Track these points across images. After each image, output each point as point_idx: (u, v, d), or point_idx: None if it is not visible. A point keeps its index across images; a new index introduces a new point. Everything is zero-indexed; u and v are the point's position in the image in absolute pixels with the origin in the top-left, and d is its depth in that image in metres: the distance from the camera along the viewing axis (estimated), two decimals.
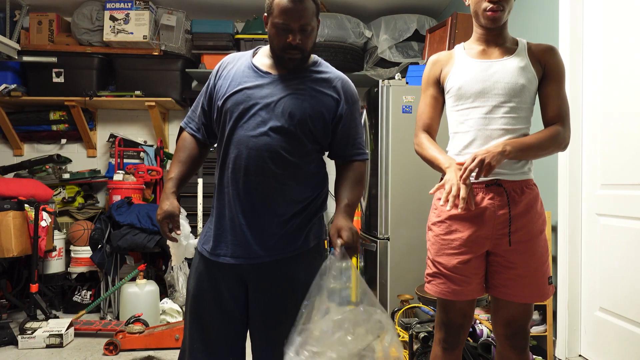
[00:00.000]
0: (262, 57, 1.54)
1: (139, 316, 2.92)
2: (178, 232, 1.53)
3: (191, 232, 1.63)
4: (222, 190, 1.51)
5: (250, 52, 1.57)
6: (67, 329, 2.96)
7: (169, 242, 1.58)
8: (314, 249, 1.54)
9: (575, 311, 2.34)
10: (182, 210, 1.56)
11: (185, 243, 1.58)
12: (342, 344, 1.25)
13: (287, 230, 1.49)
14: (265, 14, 1.47)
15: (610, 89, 2.16)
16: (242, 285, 1.50)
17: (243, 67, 1.52)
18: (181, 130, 1.66)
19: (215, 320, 1.51)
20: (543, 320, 2.39)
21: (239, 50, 4.12)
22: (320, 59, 1.59)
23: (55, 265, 3.65)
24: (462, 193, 1.43)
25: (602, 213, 2.21)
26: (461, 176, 1.45)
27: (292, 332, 1.28)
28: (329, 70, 1.57)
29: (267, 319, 1.49)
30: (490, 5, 1.55)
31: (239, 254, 1.48)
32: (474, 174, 1.47)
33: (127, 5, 3.87)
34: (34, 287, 3.17)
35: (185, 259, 1.69)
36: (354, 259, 3.99)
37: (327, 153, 1.62)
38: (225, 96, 1.50)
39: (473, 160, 1.46)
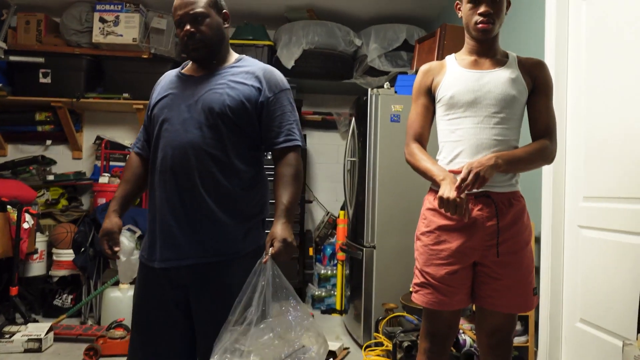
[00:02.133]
0: (190, 66, 1.61)
1: (121, 321, 2.89)
2: (116, 248, 1.55)
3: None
4: (152, 195, 1.52)
5: (181, 66, 1.64)
6: (47, 333, 2.91)
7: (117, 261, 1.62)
8: (251, 254, 1.49)
9: (557, 322, 2.37)
10: (125, 228, 1.62)
11: (124, 259, 1.61)
12: (270, 347, 1.26)
13: (220, 232, 1.47)
14: None
15: (593, 103, 2.21)
16: (183, 288, 1.49)
17: (171, 77, 1.60)
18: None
19: (158, 328, 1.50)
20: (525, 331, 2.41)
21: None
22: (245, 57, 1.61)
23: (37, 268, 3.59)
24: (459, 206, 1.45)
25: (584, 225, 2.25)
26: (457, 188, 1.47)
27: (222, 330, 1.30)
28: (251, 63, 1.57)
29: (205, 326, 1.47)
30: (481, 19, 1.58)
31: (170, 256, 1.46)
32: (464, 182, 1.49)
33: (118, 7, 3.85)
34: (14, 290, 3.11)
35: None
36: (338, 267, 3.99)
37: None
38: (153, 105, 1.57)
39: (469, 173, 1.48)
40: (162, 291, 1.50)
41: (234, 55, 1.60)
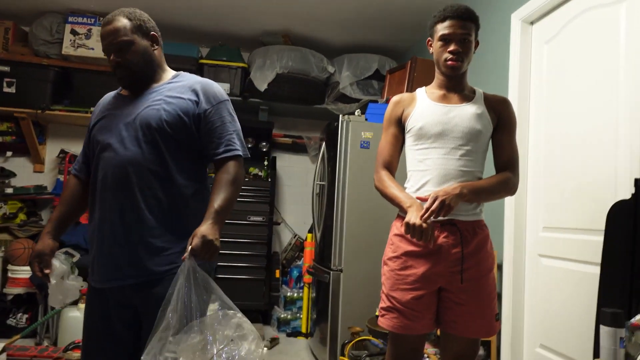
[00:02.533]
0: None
1: (79, 342, 2.77)
2: (46, 270, 1.52)
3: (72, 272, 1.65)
4: (92, 216, 1.51)
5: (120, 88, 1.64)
6: None
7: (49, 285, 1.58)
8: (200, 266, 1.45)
9: (518, 347, 2.44)
10: (62, 251, 1.58)
11: (54, 282, 1.56)
12: (200, 349, 1.25)
13: (162, 248, 1.44)
14: None
15: (553, 139, 2.34)
16: (130, 308, 1.47)
17: (109, 99, 1.62)
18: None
19: (105, 347, 1.48)
20: (487, 356, 2.47)
21: (202, 75, 4.12)
22: (182, 73, 1.62)
23: None
24: (425, 232, 1.50)
25: (544, 254, 2.35)
26: (422, 216, 1.53)
27: (149, 339, 1.28)
28: (188, 77, 1.58)
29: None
30: (451, 56, 1.67)
31: (111, 276, 1.45)
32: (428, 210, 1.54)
33: (91, 20, 3.81)
34: None
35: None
36: (305, 290, 3.96)
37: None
38: (91, 125, 1.57)
39: (434, 201, 1.54)
40: (107, 311, 1.47)
41: (170, 73, 1.61)
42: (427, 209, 1.53)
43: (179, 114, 1.47)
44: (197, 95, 1.51)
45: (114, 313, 1.47)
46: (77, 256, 3.30)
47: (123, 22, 1.49)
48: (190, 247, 1.35)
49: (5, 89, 3.80)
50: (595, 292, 1.78)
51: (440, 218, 1.61)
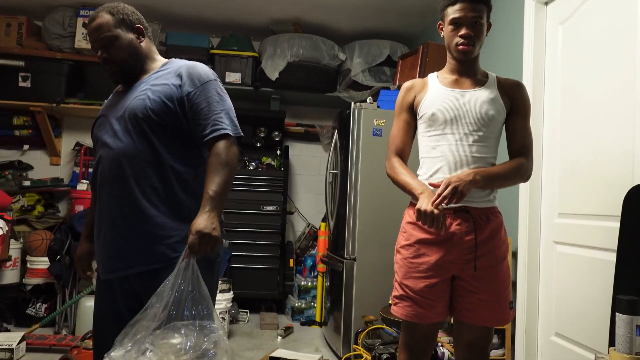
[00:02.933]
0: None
1: None
2: (88, 272, 1.68)
3: None
4: (96, 208, 1.54)
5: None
6: (19, 343, 2.83)
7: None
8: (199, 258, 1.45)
9: (533, 336, 2.41)
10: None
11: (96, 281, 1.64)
12: (175, 351, 1.23)
13: (163, 236, 1.44)
14: None
15: (567, 124, 2.28)
16: (135, 297, 1.47)
17: (110, 96, 1.64)
18: None
19: (113, 338, 1.45)
20: (501, 344, 2.45)
21: (213, 65, 4.13)
22: (172, 59, 1.59)
23: (9, 275, 3.49)
24: (436, 219, 1.48)
25: (559, 241, 2.31)
26: (434, 202, 1.50)
27: (136, 320, 1.29)
28: (175, 63, 1.56)
29: None
30: (462, 40, 1.64)
31: (115, 267, 1.46)
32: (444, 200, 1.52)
33: None
34: None
35: None
36: (319, 279, 3.98)
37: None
38: (94, 123, 1.60)
39: (446, 187, 1.51)
40: (114, 301, 1.49)
41: (160, 61, 1.59)
42: (439, 195, 1.51)
43: (163, 100, 1.45)
44: (180, 78, 1.48)
45: (122, 302, 1.48)
46: None
47: (106, 17, 1.49)
48: (188, 242, 1.34)
49: (21, 84, 3.85)
50: (611, 279, 1.74)
51: (452, 205, 1.59)
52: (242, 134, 1.50)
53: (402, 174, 1.68)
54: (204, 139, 1.45)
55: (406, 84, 1.81)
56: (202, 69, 1.51)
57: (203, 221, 1.34)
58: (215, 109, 1.45)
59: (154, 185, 1.45)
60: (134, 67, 1.54)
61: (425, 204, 1.50)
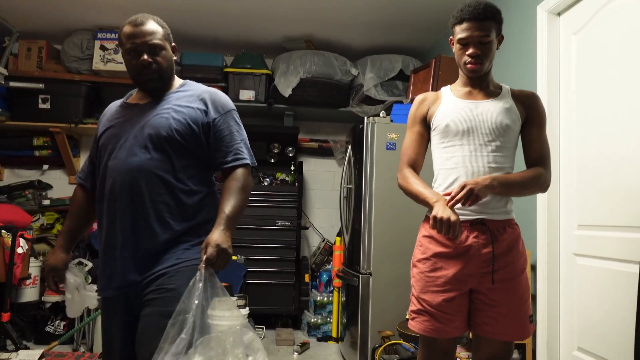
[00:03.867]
0: (134, 96, 1.62)
1: None
2: (61, 285, 1.57)
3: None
4: (101, 225, 1.50)
5: (126, 96, 1.65)
6: None
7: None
8: (195, 262, 1.43)
9: (554, 351, 2.36)
10: (74, 262, 1.59)
11: (69, 296, 1.57)
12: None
13: (169, 251, 1.45)
14: (121, 54, 1.56)
15: (584, 134, 2.26)
16: (134, 309, 1.45)
17: (115, 108, 1.62)
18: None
19: (124, 357, 1.47)
20: (522, 359, 2.40)
21: (227, 83, 4.19)
22: (189, 81, 1.63)
23: (29, 293, 3.53)
24: (452, 226, 1.46)
25: (579, 253, 2.27)
26: (448, 202, 1.49)
27: (157, 352, 1.23)
28: (196, 87, 1.60)
29: (143, 335, 1.41)
30: (469, 59, 1.64)
31: (122, 283, 1.44)
32: (459, 204, 1.51)
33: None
34: (6, 316, 3.07)
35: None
36: (334, 294, 3.95)
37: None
38: (98, 135, 1.57)
39: (462, 189, 1.50)
40: (120, 319, 1.47)
41: (177, 81, 1.63)
42: (453, 197, 1.50)
43: (189, 123, 1.49)
44: (205, 104, 1.53)
45: (127, 320, 1.46)
46: (90, 265, 3.38)
47: (156, 27, 1.52)
48: (205, 256, 1.34)
49: (41, 105, 3.96)
50: (635, 292, 1.70)
51: (468, 217, 1.58)
52: (257, 164, 1.58)
53: (415, 184, 1.67)
54: (224, 165, 1.52)
55: (419, 97, 1.81)
56: (224, 98, 1.59)
57: (220, 236, 1.37)
58: (236, 139, 1.54)
59: (167, 203, 1.46)
60: (168, 81, 1.57)
61: (440, 211, 1.48)
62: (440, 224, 1.48)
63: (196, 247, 1.47)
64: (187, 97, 1.54)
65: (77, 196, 1.65)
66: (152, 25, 1.51)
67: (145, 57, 1.49)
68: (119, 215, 1.45)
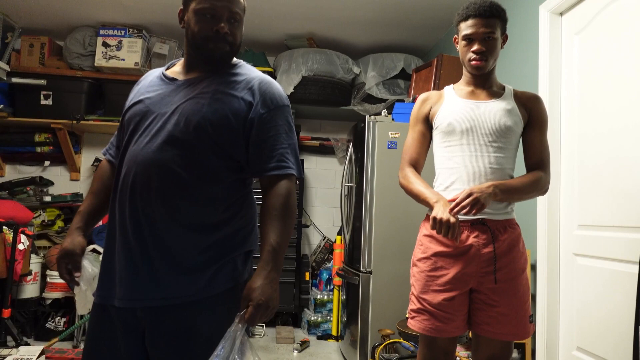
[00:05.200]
0: (176, 67, 1.36)
1: None
2: (77, 274, 1.30)
3: None
4: (111, 219, 1.26)
5: (167, 65, 1.39)
6: (38, 357, 2.87)
7: (75, 289, 1.34)
8: (222, 295, 1.22)
9: (554, 350, 2.36)
10: (89, 249, 1.32)
11: (84, 288, 1.33)
12: None
13: (187, 268, 1.19)
14: (183, 7, 1.31)
15: (586, 135, 2.26)
16: (136, 334, 1.22)
17: (152, 78, 1.35)
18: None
19: None
20: (522, 359, 2.40)
21: None
22: (243, 62, 1.36)
23: (30, 290, 3.55)
24: (452, 227, 1.46)
25: (579, 253, 2.27)
26: (452, 209, 1.49)
27: None
28: (248, 71, 1.32)
29: None
30: (474, 56, 1.64)
31: (125, 295, 1.19)
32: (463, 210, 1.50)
33: (121, 32, 3.92)
34: (6, 313, 3.08)
35: None
36: (335, 292, 3.94)
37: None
38: (125, 109, 1.31)
39: (467, 196, 1.49)
40: (114, 335, 1.22)
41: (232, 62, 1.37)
42: (458, 203, 1.49)
43: (227, 115, 1.22)
44: (252, 94, 1.26)
45: (119, 337, 1.22)
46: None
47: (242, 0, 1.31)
48: (246, 315, 1.12)
49: (43, 102, 3.96)
50: (634, 292, 1.70)
51: (469, 217, 1.58)
52: (302, 176, 1.35)
53: (416, 183, 1.67)
54: (264, 173, 1.25)
55: (422, 96, 1.81)
56: (278, 89, 1.31)
57: (266, 288, 1.14)
58: (283, 142, 1.26)
59: (184, 209, 1.20)
60: (233, 57, 1.33)
61: (440, 212, 1.48)
62: (439, 225, 1.48)
63: (227, 268, 1.24)
64: (234, 82, 1.27)
65: (102, 172, 1.40)
66: None
67: (222, 25, 1.24)
68: (126, 213, 1.21)
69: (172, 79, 1.30)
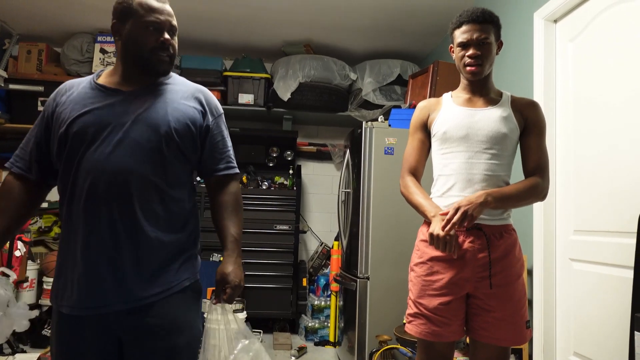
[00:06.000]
0: (108, 77, 1.37)
1: None
2: None
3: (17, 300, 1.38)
4: (71, 229, 1.26)
5: (92, 75, 1.40)
6: None
7: None
8: (189, 290, 1.34)
9: (551, 355, 2.36)
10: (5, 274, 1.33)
11: (0, 314, 1.29)
12: None
13: (157, 268, 1.27)
14: (118, 21, 1.33)
15: (581, 139, 2.27)
16: (112, 339, 1.25)
17: (86, 90, 1.35)
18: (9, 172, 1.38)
19: None
20: None
21: (226, 87, 4.20)
22: (174, 74, 1.46)
23: (26, 296, 3.53)
24: (448, 243, 1.51)
25: (575, 258, 2.28)
26: (443, 227, 1.52)
27: None
28: (184, 81, 1.44)
29: None
30: (469, 61, 1.66)
31: (97, 303, 1.22)
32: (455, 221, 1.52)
33: None
34: None
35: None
36: (332, 298, 3.92)
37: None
38: (68, 121, 1.29)
39: (456, 212, 1.52)
40: (83, 344, 1.24)
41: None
42: (449, 221, 1.52)
43: (187, 123, 1.33)
44: (201, 104, 1.39)
45: (90, 346, 1.24)
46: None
47: (172, 12, 1.39)
48: (224, 297, 1.33)
49: (40, 108, 3.96)
50: (630, 297, 1.71)
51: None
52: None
53: (416, 194, 1.70)
54: (215, 173, 1.42)
55: (421, 103, 1.84)
56: (215, 99, 1.48)
57: (237, 271, 1.34)
58: (227, 145, 1.45)
59: (156, 212, 1.28)
60: (172, 68, 1.41)
61: (437, 228, 1.53)
62: (437, 242, 1.52)
63: (187, 265, 1.34)
64: (180, 92, 1.38)
65: (9, 188, 1.34)
66: (171, 9, 1.38)
67: (167, 36, 1.32)
68: (100, 221, 1.23)
69: (115, 90, 1.33)
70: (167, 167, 1.30)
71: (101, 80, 1.36)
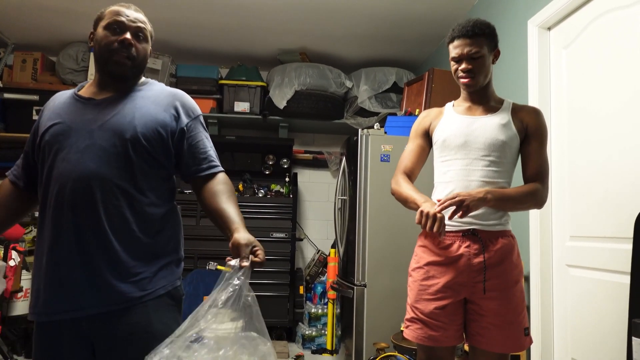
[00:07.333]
0: (88, 88, 1.41)
1: None
2: None
3: None
4: (42, 236, 1.29)
5: (77, 87, 1.46)
6: None
7: None
8: (166, 297, 1.33)
9: None
10: None
11: None
12: None
13: (125, 274, 1.26)
14: (92, 30, 1.39)
15: (576, 146, 2.29)
16: (85, 342, 1.26)
17: (64, 100, 1.39)
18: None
19: None
20: None
21: (222, 95, 4.21)
22: (153, 81, 1.47)
23: (21, 307, 3.50)
24: (438, 221, 1.47)
25: (571, 264, 2.28)
26: (438, 205, 1.51)
27: (162, 343, 1.14)
28: (160, 87, 1.44)
29: None
30: (462, 74, 1.69)
31: (65, 307, 1.24)
32: (449, 212, 1.52)
33: None
34: None
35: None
36: (329, 306, 3.92)
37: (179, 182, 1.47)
38: (43, 130, 1.33)
39: (454, 197, 1.52)
40: (60, 349, 1.26)
41: (139, 79, 1.46)
42: (444, 201, 1.51)
43: (156, 128, 1.33)
44: (175, 108, 1.39)
45: (66, 352, 1.26)
46: None
47: (145, 19, 1.41)
48: (257, 258, 1.26)
49: (35, 117, 3.94)
50: (627, 302, 1.71)
51: (460, 227, 1.60)
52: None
53: (406, 188, 1.71)
54: (199, 174, 1.39)
55: (424, 112, 1.89)
56: (192, 101, 1.47)
57: (251, 236, 1.28)
58: (207, 146, 1.43)
59: (124, 217, 1.27)
60: (137, 74, 1.41)
61: (427, 207, 1.51)
62: (425, 218, 1.49)
63: (165, 271, 1.33)
64: (153, 97, 1.38)
65: (2, 191, 1.43)
66: (142, 16, 1.39)
67: (129, 36, 1.33)
68: (66, 227, 1.25)
69: (89, 99, 1.36)
70: (135, 172, 1.30)
71: (82, 91, 1.40)
